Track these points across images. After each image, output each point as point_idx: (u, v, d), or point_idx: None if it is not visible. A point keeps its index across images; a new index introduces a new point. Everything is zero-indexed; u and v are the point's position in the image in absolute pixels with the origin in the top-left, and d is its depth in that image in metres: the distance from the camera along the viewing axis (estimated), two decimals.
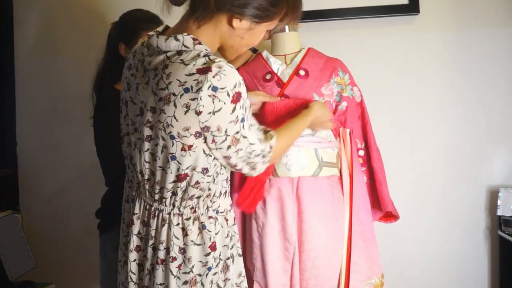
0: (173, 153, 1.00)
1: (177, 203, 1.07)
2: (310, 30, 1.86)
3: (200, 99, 0.94)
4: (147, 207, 1.10)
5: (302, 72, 1.55)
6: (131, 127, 1.09)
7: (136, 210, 1.11)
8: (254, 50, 1.69)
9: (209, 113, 0.95)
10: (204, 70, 0.94)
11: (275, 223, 1.50)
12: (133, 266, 1.12)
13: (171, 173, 1.03)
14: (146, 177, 1.08)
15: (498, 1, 1.92)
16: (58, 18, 2.08)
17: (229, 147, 1.01)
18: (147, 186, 1.09)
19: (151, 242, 1.08)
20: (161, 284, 1.06)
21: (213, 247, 1.07)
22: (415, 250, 1.97)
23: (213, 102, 0.95)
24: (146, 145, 1.04)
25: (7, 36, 2.09)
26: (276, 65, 1.60)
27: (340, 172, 1.58)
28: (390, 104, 1.95)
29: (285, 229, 1.49)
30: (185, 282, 1.05)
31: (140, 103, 1.04)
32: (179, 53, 0.98)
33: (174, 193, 1.06)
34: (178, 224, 1.07)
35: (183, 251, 1.06)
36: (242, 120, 1.00)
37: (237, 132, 1.00)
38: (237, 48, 1.09)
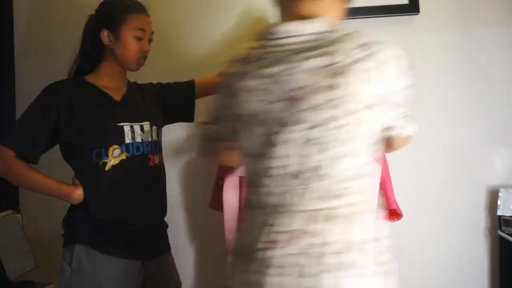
0: (359, 129, 0.93)
1: (352, 189, 0.93)
2: None
3: (373, 69, 0.92)
4: (308, 214, 0.92)
5: None
6: (277, 127, 0.96)
7: (293, 226, 0.92)
8: None
9: (383, 81, 0.93)
10: (368, 44, 0.93)
11: None
12: None
13: (352, 155, 0.93)
14: (309, 173, 0.93)
15: (498, 1, 1.92)
16: (58, 18, 2.08)
17: (398, 113, 1.00)
18: (312, 186, 0.93)
19: (327, 249, 0.89)
20: None
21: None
22: (414, 250, 1.97)
23: (385, 71, 0.93)
24: (315, 132, 0.92)
25: (7, 36, 2.09)
26: None
27: None
28: None
29: None
30: (385, 273, 0.95)
31: (290, 92, 0.94)
32: (331, 32, 0.96)
33: (352, 178, 0.94)
34: (362, 213, 0.94)
35: (374, 239, 0.95)
36: (407, 87, 0.98)
37: (403, 97, 0.99)
38: None
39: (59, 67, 1.90)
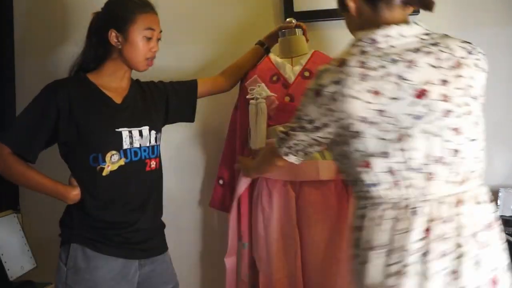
0: (478, 115, 1.06)
1: (476, 173, 1.06)
2: (310, 30, 1.86)
3: (480, 60, 1.07)
4: (449, 199, 1.02)
5: (306, 73, 1.59)
6: (408, 121, 1.01)
7: (438, 213, 1.01)
8: (266, 49, 1.74)
9: (483, 75, 1.08)
10: (467, 42, 1.09)
11: (279, 216, 1.54)
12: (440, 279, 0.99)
13: (478, 139, 1.05)
14: (446, 160, 1.01)
15: (498, 1, 1.92)
16: (58, 18, 2.08)
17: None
18: (445, 173, 1.02)
19: (467, 230, 1.00)
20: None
21: None
22: None
23: (483, 65, 1.08)
24: (447, 121, 1.01)
25: (7, 36, 2.09)
26: (283, 67, 1.64)
27: None
28: None
29: (289, 222, 1.53)
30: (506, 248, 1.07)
31: (417, 86, 1.00)
32: (430, 33, 1.08)
33: (475, 162, 1.05)
34: (485, 195, 1.07)
35: (496, 219, 1.07)
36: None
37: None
38: None
39: (59, 67, 1.91)
